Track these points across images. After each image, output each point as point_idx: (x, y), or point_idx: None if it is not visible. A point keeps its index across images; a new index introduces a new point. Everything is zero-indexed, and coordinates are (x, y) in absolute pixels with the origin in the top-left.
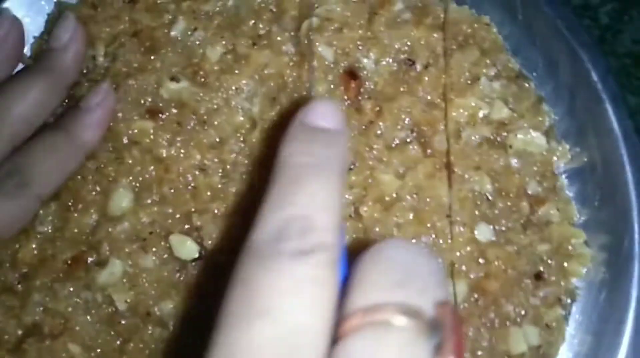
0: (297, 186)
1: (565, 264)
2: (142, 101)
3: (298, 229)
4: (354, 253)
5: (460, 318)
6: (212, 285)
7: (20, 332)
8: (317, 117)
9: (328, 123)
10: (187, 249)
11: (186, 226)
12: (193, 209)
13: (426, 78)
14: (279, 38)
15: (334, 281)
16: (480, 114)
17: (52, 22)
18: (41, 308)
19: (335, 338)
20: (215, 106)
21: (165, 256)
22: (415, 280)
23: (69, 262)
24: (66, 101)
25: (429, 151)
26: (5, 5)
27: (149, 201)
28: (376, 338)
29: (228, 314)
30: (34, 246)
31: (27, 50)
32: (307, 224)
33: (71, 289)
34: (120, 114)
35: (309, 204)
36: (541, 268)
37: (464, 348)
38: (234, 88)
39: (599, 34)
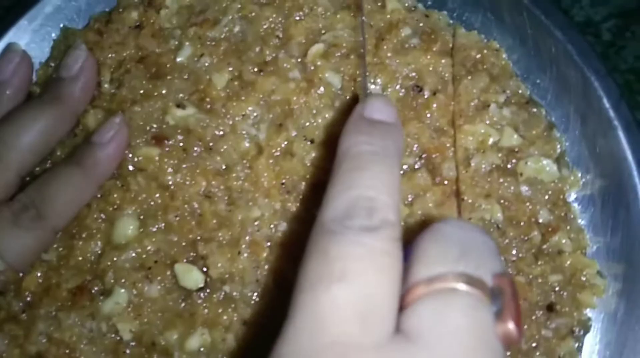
0: (361, 171)
1: (578, 295)
2: (148, 128)
3: (365, 208)
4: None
5: (516, 289)
6: (217, 315)
7: None
8: (374, 111)
9: (384, 116)
10: (193, 278)
11: (191, 254)
12: (199, 238)
13: (434, 104)
14: (285, 64)
15: (399, 254)
16: (490, 141)
17: (58, 47)
18: (45, 338)
19: (401, 308)
20: (221, 133)
21: (171, 285)
22: (473, 253)
23: (74, 291)
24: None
25: (437, 178)
26: (12, 31)
27: (154, 229)
28: (443, 303)
29: (307, 279)
30: (38, 274)
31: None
32: (372, 204)
33: (76, 319)
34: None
35: (373, 186)
36: (553, 299)
37: (521, 316)
38: (240, 114)
39: (602, 50)
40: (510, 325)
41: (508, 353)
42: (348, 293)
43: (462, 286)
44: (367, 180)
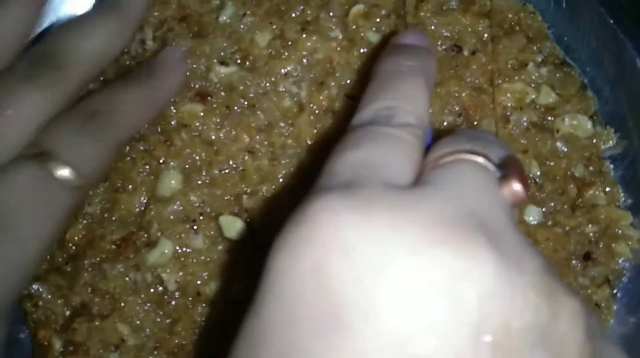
0: (384, 87)
1: (613, 245)
2: (192, 85)
3: (385, 116)
4: None
5: (522, 166)
6: (260, 265)
7: (68, 313)
8: (404, 37)
9: (412, 41)
10: (237, 229)
11: (236, 208)
12: (242, 192)
13: (473, 64)
14: (327, 24)
15: (415, 142)
16: (528, 99)
17: None
18: (90, 289)
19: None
20: (263, 91)
21: (216, 236)
22: (481, 140)
23: (118, 243)
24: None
25: None
26: None
27: (199, 183)
28: (451, 167)
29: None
30: (81, 227)
31: None
32: (392, 112)
33: (120, 269)
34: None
35: (394, 98)
36: (589, 249)
37: (528, 183)
38: (282, 72)
39: (638, 11)
40: (516, 185)
41: None
42: (358, 155)
43: (468, 156)
44: (388, 93)
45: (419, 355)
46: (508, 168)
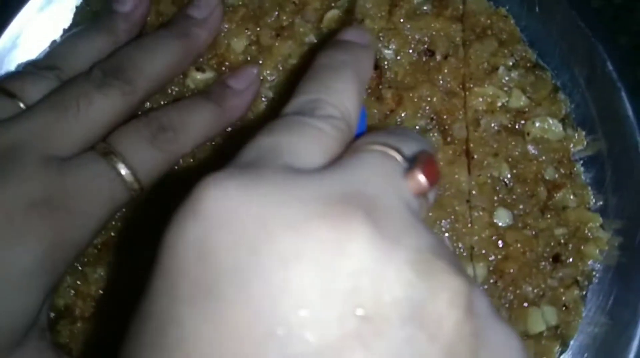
0: (313, 80)
1: (582, 247)
2: (169, 91)
3: (309, 108)
4: None
5: (435, 161)
6: None
7: (53, 314)
8: (343, 34)
9: (351, 37)
10: None
11: None
12: None
13: (446, 68)
14: (301, 29)
15: (335, 134)
16: (499, 102)
17: (81, 13)
18: (73, 292)
19: None
20: None
21: None
22: (398, 135)
23: (99, 247)
24: None
25: (448, 138)
26: None
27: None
28: (359, 156)
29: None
30: None
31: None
32: (315, 104)
33: (101, 273)
34: (147, 104)
35: (318, 91)
36: (558, 251)
37: (437, 176)
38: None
39: (613, 12)
40: (420, 177)
41: (515, 301)
42: (267, 140)
43: (377, 147)
44: (315, 86)
45: (288, 326)
46: (416, 161)
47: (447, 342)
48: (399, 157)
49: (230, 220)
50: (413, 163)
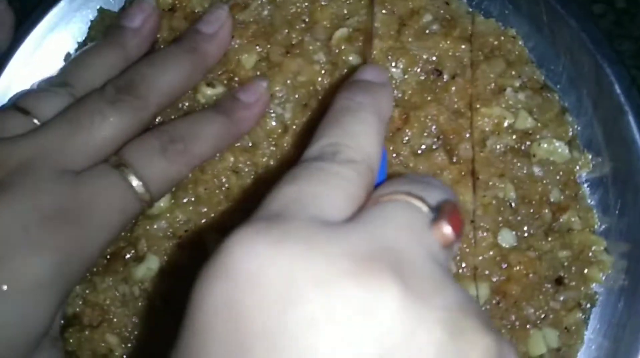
0: (332, 123)
1: (586, 270)
2: (180, 106)
3: (330, 152)
4: None
5: (459, 211)
6: None
7: (62, 322)
8: (361, 74)
9: (369, 77)
10: None
11: (220, 225)
12: (227, 209)
13: (453, 88)
14: (310, 47)
15: (356, 180)
16: (505, 123)
17: (95, 28)
18: (81, 301)
19: None
20: None
21: (200, 253)
22: (422, 183)
23: (108, 257)
24: None
25: (454, 158)
26: (52, 12)
27: (185, 201)
28: (384, 206)
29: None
30: None
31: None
32: (336, 149)
33: (110, 282)
34: (159, 119)
35: (338, 134)
36: (562, 274)
37: (462, 226)
38: None
39: (615, 18)
40: (445, 227)
41: (517, 322)
42: (292, 189)
43: (403, 197)
44: (335, 130)
45: None
46: (441, 211)
47: None
48: (424, 207)
49: (259, 280)
50: (438, 213)
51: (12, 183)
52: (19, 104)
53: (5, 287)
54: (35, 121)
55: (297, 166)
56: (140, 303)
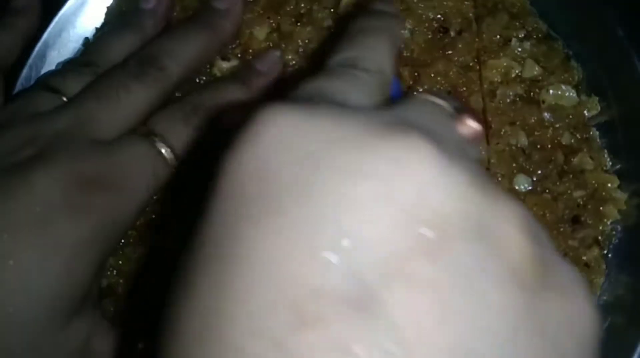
0: (348, 41)
1: (601, 208)
2: (198, 80)
3: (347, 65)
4: None
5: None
6: None
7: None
8: (373, 4)
9: (381, 7)
10: None
11: None
12: None
13: (460, 43)
14: (319, 15)
15: (376, 87)
16: (513, 73)
17: (112, 12)
18: (115, 271)
19: None
20: None
21: None
22: (436, 93)
23: (139, 228)
24: None
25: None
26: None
27: None
28: (411, 100)
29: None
30: None
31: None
32: (353, 62)
33: (142, 253)
34: (177, 94)
35: (355, 49)
36: (578, 213)
37: (482, 128)
38: None
39: None
40: (470, 121)
41: None
42: (315, 84)
43: (427, 96)
44: (351, 46)
45: (353, 239)
46: (461, 109)
47: (515, 264)
48: (446, 105)
49: (291, 140)
50: (459, 110)
51: (50, 152)
52: (47, 83)
53: (49, 246)
54: (64, 98)
55: (319, 70)
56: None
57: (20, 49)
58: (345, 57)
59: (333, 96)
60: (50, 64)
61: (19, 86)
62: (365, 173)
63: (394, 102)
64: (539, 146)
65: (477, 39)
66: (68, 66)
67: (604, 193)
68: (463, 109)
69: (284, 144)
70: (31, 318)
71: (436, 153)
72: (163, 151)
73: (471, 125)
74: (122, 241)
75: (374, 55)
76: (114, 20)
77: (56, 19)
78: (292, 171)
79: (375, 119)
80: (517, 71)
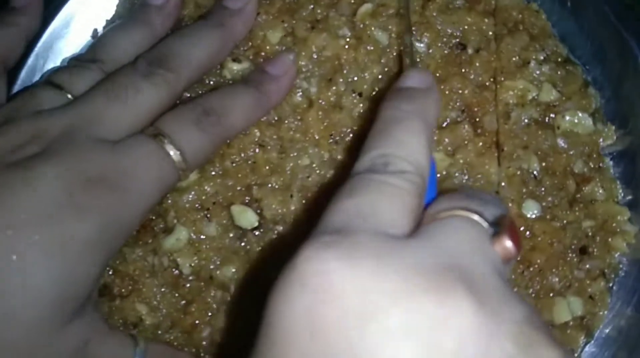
0: (381, 134)
1: (610, 239)
2: (207, 81)
3: (380, 163)
4: None
5: (516, 225)
6: (270, 252)
7: None
8: (406, 79)
9: (415, 83)
10: (247, 218)
11: (246, 198)
12: (253, 182)
13: (477, 61)
14: (335, 22)
15: (409, 188)
16: (529, 96)
17: (122, 5)
18: (111, 271)
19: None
20: None
21: (227, 224)
22: (477, 198)
23: (138, 229)
24: None
25: (479, 130)
26: None
27: (212, 174)
28: (445, 222)
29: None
30: None
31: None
32: (387, 159)
33: (140, 253)
34: (187, 94)
35: (388, 145)
36: (586, 243)
37: (521, 241)
38: None
39: None
40: (507, 242)
41: (542, 291)
42: (352, 203)
43: (463, 213)
44: (384, 141)
45: None
46: (501, 226)
47: None
48: (483, 223)
49: (337, 294)
50: (498, 226)
51: (55, 150)
52: (52, 79)
53: (54, 245)
54: (69, 95)
55: (351, 178)
56: (169, 274)
57: (22, 48)
58: (377, 156)
59: (368, 219)
60: (58, 54)
61: (23, 75)
62: (409, 334)
63: (432, 225)
64: (550, 173)
65: (494, 58)
66: (74, 62)
67: (613, 225)
68: (503, 219)
69: (330, 297)
70: (31, 317)
71: (478, 313)
72: (172, 153)
73: (507, 246)
74: None
75: (407, 151)
76: (125, 12)
77: (64, 8)
78: (340, 330)
79: (415, 264)
80: (533, 94)
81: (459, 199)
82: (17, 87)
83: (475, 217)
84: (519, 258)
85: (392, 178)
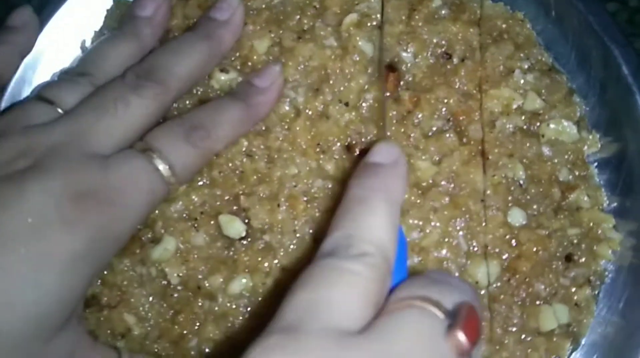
0: (345, 214)
1: (595, 247)
2: (195, 91)
3: (343, 246)
4: None
5: (477, 315)
6: (257, 261)
7: None
8: (373, 155)
9: (382, 159)
10: (235, 228)
11: (234, 207)
12: (240, 192)
13: (462, 70)
14: (322, 32)
15: (370, 275)
16: (514, 104)
17: (111, 17)
18: (99, 281)
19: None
20: None
21: (215, 234)
22: (439, 285)
23: None
24: None
25: (464, 139)
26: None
27: (200, 184)
28: (400, 315)
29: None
30: None
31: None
32: (349, 241)
33: (127, 264)
34: (175, 104)
35: (351, 227)
36: (571, 251)
37: (478, 333)
38: None
39: (628, 16)
40: (460, 336)
41: (527, 299)
42: (305, 297)
43: (419, 303)
44: (347, 221)
45: None
46: (457, 318)
47: None
48: (439, 314)
49: None
50: (454, 318)
51: (45, 165)
52: (42, 94)
53: (41, 259)
54: (59, 109)
55: (312, 265)
56: (157, 284)
57: (17, 66)
58: (340, 237)
59: (321, 315)
60: (47, 66)
61: (11, 86)
62: None
63: (387, 319)
64: (536, 181)
65: (480, 68)
66: (63, 76)
67: (599, 233)
68: (461, 309)
69: None
70: (16, 333)
71: None
72: (161, 167)
73: (461, 341)
74: None
75: (369, 232)
76: (113, 24)
77: (52, 20)
78: None
79: None
80: (518, 103)
81: (419, 287)
82: (6, 98)
83: (431, 308)
84: (504, 267)
85: (352, 264)
